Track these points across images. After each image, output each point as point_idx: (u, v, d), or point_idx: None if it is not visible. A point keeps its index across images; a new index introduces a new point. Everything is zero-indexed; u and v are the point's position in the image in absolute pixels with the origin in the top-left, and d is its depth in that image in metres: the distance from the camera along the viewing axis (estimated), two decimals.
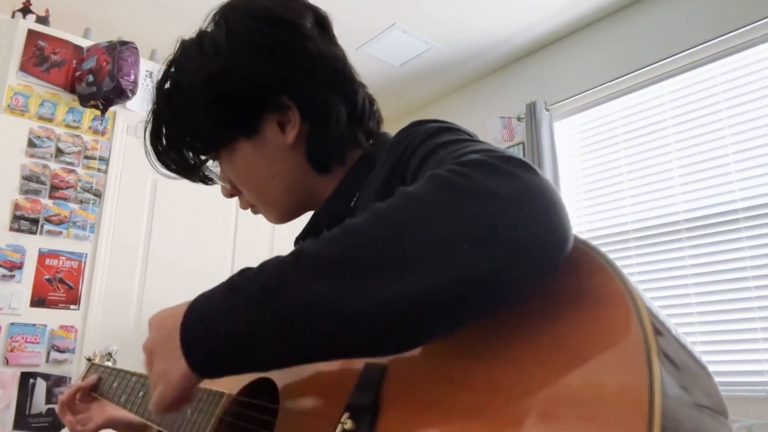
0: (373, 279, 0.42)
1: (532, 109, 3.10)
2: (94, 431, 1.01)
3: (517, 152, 3.22)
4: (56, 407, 1.04)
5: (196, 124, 0.71)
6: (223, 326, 0.48)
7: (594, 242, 0.44)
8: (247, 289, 0.48)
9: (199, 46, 0.71)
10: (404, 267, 0.41)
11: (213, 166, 0.77)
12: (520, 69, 3.38)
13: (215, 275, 2.50)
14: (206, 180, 0.78)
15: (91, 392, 1.06)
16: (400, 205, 0.44)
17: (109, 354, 1.17)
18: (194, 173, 0.76)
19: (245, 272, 0.50)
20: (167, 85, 0.73)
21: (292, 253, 0.47)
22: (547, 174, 2.93)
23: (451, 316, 0.42)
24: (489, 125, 3.38)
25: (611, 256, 0.41)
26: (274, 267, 0.47)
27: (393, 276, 0.41)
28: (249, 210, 0.80)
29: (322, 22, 0.75)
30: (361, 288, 0.42)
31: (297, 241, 0.76)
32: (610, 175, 2.86)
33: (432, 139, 0.58)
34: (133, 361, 1.07)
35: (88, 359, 1.18)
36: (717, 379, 0.42)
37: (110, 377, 1.05)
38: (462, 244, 0.40)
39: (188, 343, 0.51)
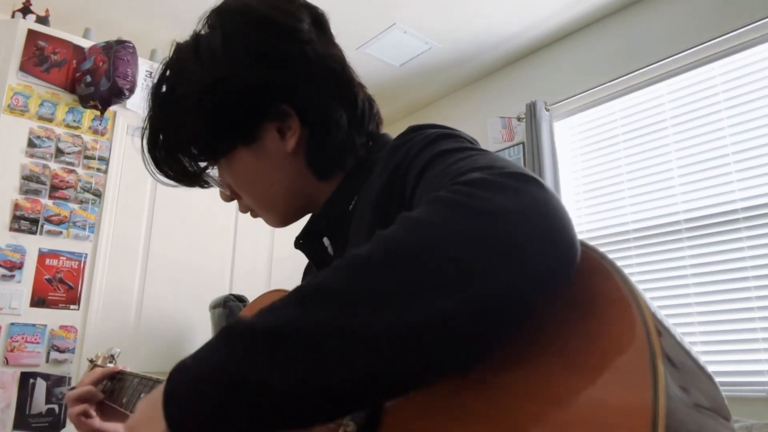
0: (383, 307, 0.39)
1: (532, 109, 3.10)
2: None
3: (517, 152, 3.22)
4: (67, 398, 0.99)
5: (193, 132, 0.69)
6: (223, 376, 0.42)
7: (594, 242, 0.44)
8: (244, 334, 0.43)
9: (195, 53, 0.69)
10: (415, 294, 0.39)
11: (212, 171, 0.75)
12: (520, 69, 3.38)
13: (215, 275, 2.50)
14: (205, 185, 0.77)
15: (104, 400, 1.02)
16: (405, 230, 0.42)
17: (112, 356, 1.16)
18: (193, 180, 0.74)
19: (237, 322, 0.44)
20: (163, 90, 0.71)
21: (292, 292, 0.44)
22: (547, 174, 2.93)
23: (466, 342, 0.40)
24: (489, 125, 3.37)
25: (611, 256, 0.42)
26: (272, 309, 0.43)
27: (405, 303, 0.39)
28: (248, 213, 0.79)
29: (319, 21, 0.73)
30: (370, 317, 0.39)
31: (297, 241, 0.76)
32: (610, 175, 2.86)
33: (432, 146, 0.56)
34: (133, 361, 1.06)
35: (91, 361, 1.17)
36: (717, 379, 0.42)
37: (113, 379, 1.05)
38: (473, 266, 0.38)
39: (170, 401, 0.44)
